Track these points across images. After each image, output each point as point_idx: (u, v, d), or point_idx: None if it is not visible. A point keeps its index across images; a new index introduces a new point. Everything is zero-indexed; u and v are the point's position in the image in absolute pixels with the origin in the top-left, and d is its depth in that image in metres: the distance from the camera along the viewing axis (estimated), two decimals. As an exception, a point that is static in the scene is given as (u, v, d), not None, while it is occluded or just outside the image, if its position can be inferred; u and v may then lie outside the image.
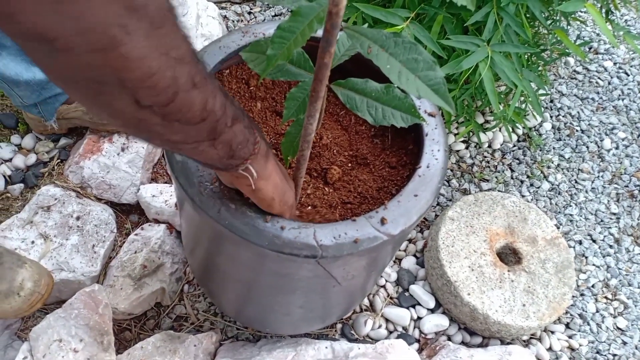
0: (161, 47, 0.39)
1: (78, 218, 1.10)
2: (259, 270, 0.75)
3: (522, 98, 1.31)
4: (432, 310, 1.17)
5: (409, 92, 0.59)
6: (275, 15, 1.60)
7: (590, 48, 1.70)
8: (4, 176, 1.17)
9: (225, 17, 1.57)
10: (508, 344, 1.15)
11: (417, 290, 1.18)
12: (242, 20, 1.58)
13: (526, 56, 1.13)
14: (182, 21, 0.43)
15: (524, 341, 1.17)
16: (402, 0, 1.02)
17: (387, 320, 1.15)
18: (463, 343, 1.15)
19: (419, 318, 1.16)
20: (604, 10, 1.19)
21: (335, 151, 0.84)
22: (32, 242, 1.05)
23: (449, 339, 1.15)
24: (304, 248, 0.64)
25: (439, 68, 0.60)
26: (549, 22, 1.18)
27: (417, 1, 1.00)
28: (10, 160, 1.20)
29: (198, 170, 0.67)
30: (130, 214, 1.19)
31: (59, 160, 1.21)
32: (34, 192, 1.16)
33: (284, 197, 0.64)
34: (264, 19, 1.59)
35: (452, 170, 1.38)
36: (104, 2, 0.34)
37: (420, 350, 1.13)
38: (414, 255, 1.25)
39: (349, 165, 0.83)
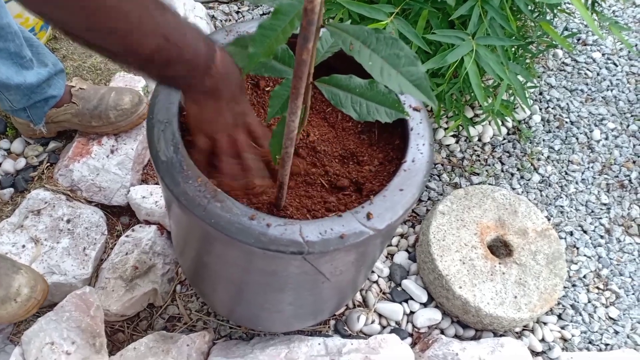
0: None
1: (68, 221, 1.10)
2: (247, 269, 0.75)
3: (510, 91, 1.32)
4: (424, 305, 1.18)
5: (391, 88, 0.59)
6: (264, 14, 1.60)
7: (578, 40, 1.71)
8: (-6, 181, 1.17)
9: (213, 17, 1.57)
10: (501, 336, 1.15)
11: (410, 284, 1.18)
12: (230, 20, 1.58)
13: (513, 49, 1.13)
14: None
15: (517, 333, 1.18)
16: (387, -4, 1.02)
17: (380, 316, 1.15)
18: (456, 336, 1.16)
19: (412, 312, 1.17)
20: (589, 1, 1.19)
21: (322, 148, 0.84)
22: (23, 246, 1.05)
23: (442, 332, 1.16)
24: (290, 245, 0.64)
25: (420, 63, 0.60)
26: (535, 14, 1.19)
27: (402, -4, 1.00)
28: (-1, 165, 1.20)
29: (183, 169, 0.67)
30: (121, 216, 1.19)
31: (48, 164, 1.21)
32: (24, 196, 1.16)
33: (209, 127, 0.66)
34: (252, 18, 1.59)
35: (442, 165, 1.38)
36: None
37: (413, 345, 1.13)
38: (406, 250, 1.25)
39: (337, 161, 0.83)
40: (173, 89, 0.73)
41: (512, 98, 1.34)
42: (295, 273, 0.72)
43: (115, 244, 1.12)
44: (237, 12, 1.60)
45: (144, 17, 0.54)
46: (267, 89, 0.90)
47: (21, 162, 1.20)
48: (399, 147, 0.83)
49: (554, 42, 1.27)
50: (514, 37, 1.09)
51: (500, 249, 1.21)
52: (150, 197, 1.14)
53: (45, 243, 1.06)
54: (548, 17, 1.25)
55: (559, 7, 1.26)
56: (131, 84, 1.33)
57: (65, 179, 1.16)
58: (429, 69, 0.97)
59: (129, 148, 1.19)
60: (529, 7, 1.03)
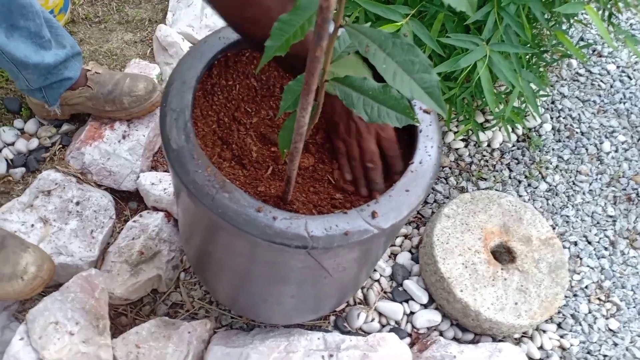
0: None
1: (78, 203, 1.11)
2: (251, 259, 0.76)
3: (522, 98, 1.32)
4: (425, 306, 1.18)
5: (402, 93, 0.60)
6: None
7: (593, 51, 1.70)
8: (6, 159, 1.19)
9: (230, 8, 1.58)
10: (499, 341, 1.16)
11: (411, 285, 1.19)
12: (247, 13, 1.59)
13: (527, 57, 1.13)
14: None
15: (516, 339, 1.18)
16: (404, -3, 1.03)
17: (380, 314, 1.16)
18: (455, 339, 1.17)
19: (412, 313, 1.17)
20: (606, 14, 1.19)
21: (332, 146, 0.85)
22: (32, 225, 1.07)
23: (441, 334, 1.16)
24: (294, 238, 0.65)
25: (434, 71, 0.61)
26: (550, 23, 1.18)
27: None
28: (12, 144, 1.22)
29: (193, 158, 0.68)
30: (129, 201, 1.20)
31: (60, 146, 1.23)
32: (35, 176, 1.18)
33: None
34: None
35: (450, 168, 1.39)
36: None
37: (411, 345, 1.14)
38: (409, 251, 1.26)
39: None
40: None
41: (523, 105, 1.34)
42: (299, 267, 0.73)
43: (122, 229, 1.13)
44: None
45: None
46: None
47: (34, 143, 1.22)
48: (407, 147, 0.84)
49: (568, 52, 1.26)
50: (528, 45, 1.09)
51: (503, 255, 1.21)
52: (159, 184, 1.15)
53: (53, 224, 1.08)
54: (564, 27, 1.25)
55: (575, 18, 1.25)
56: (146, 71, 1.34)
57: (77, 162, 1.17)
58: (442, 72, 0.97)
59: (141, 134, 1.21)
60: (545, 16, 1.03)
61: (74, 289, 0.96)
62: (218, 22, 1.46)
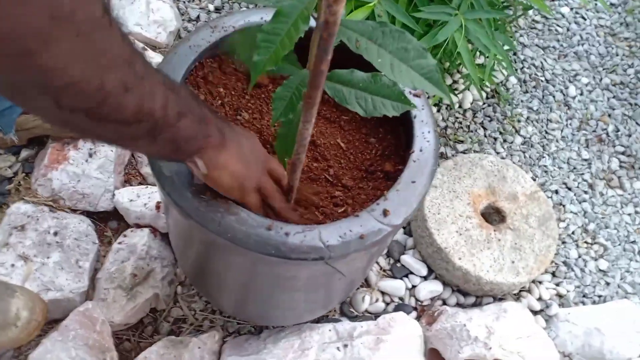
0: (87, 55, 0.37)
1: (56, 233, 1.05)
2: (261, 275, 0.74)
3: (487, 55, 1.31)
4: (425, 278, 1.19)
5: (403, 85, 0.58)
6: (228, -8, 1.54)
7: (548, -6, 1.71)
8: (-33, 198, 1.11)
9: (175, -1, 1.50)
10: (500, 299, 1.18)
11: (408, 259, 1.19)
12: (193, 0, 1.51)
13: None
14: (118, 20, 0.41)
15: (515, 294, 1.21)
16: (366, -29, 0.99)
17: (383, 293, 1.16)
18: (458, 304, 1.18)
19: (414, 287, 1.18)
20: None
21: (322, 142, 0.82)
22: (12, 265, 1.01)
23: (444, 302, 1.18)
24: (311, 251, 0.63)
25: (429, 55, 0.59)
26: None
27: (382, -29, 0.97)
28: (-30, 180, 1.13)
29: (190, 184, 0.64)
30: (108, 221, 1.15)
31: (24, 174, 1.15)
32: (2, 211, 1.10)
33: (245, 184, 0.62)
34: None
35: (426, 135, 1.38)
36: (21, 7, 0.31)
37: (418, 318, 1.15)
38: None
39: (339, 155, 0.82)
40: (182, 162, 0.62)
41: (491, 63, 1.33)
42: (314, 276, 0.71)
43: (108, 252, 1.08)
44: (200, -7, 1.53)
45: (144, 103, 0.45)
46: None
47: (-6, 175, 1.14)
48: (396, 133, 0.82)
49: (530, 4, 1.26)
50: (494, 5, 1.08)
51: (493, 215, 1.23)
52: (137, 200, 1.10)
53: (35, 259, 1.02)
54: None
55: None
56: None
57: (45, 189, 1.10)
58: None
59: (108, 150, 1.14)
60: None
61: (73, 326, 0.92)
62: (166, 15, 1.39)
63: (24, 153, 1.17)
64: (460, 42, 0.88)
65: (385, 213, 0.67)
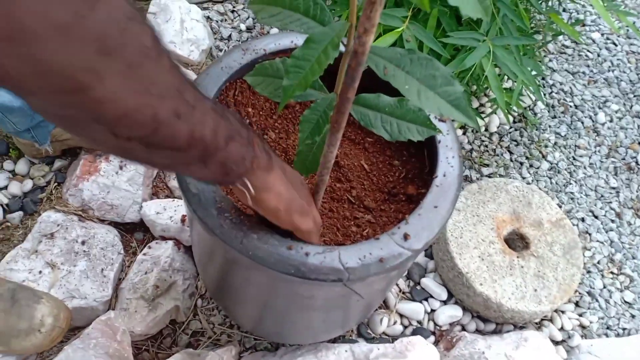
0: (139, 86, 0.38)
1: (83, 242, 1.08)
2: (280, 293, 0.75)
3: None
4: (444, 302, 1.18)
5: (430, 111, 0.58)
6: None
7: (579, 20, 1.70)
8: (2, 205, 1.15)
9: (208, 17, 1.54)
10: (521, 328, 1.16)
11: (429, 283, 1.19)
12: (225, 20, 1.55)
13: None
14: (167, 49, 0.42)
15: (536, 323, 1.19)
16: (395, -3, 1.00)
17: (401, 316, 1.16)
18: (477, 331, 1.17)
19: (433, 311, 1.17)
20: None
21: (346, 163, 0.83)
22: (40, 272, 1.03)
23: (463, 328, 1.16)
24: (330, 272, 0.64)
25: (457, 82, 0.59)
26: (540, 2, 1.17)
27: (411, -4, 0.98)
28: (5, 187, 1.17)
29: (216, 202, 0.66)
30: (134, 232, 1.17)
31: (56, 184, 1.18)
32: (34, 219, 1.14)
33: (291, 206, 0.63)
34: (248, 17, 1.56)
35: (451, 157, 1.38)
36: (69, 45, 0.32)
37: (436, 343, 1.14)
38: (422, 248, 1.25)
39: (362, 176, 0.82)
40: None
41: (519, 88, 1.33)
42: (332, 297, 0.72)
43: (132, 262, 1.10)
44: (232, 11, 1.57)
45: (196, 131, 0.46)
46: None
47: (28, 184, 1.17)
48: (420, 156, 0.82)
49: (560, 30, 1.25)
50: (524, 31, 1.08)
51: (516, 242, 1.21)
52: (164, 213, 1.12)
53: (62, 267, 1.05)
54: (555, 7, 1.23)
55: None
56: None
57: (76, 199, 1.13)
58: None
59: (138, 162, 1.17)
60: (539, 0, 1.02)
61: (95, 334, 0.94)
62: (199, 34, 1.42)
63: (58, 163, 1.21)
64: (488, 69, 0.88)
65: (406, 237, 0.67)
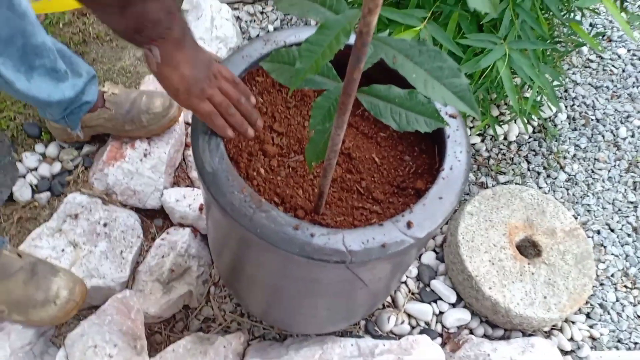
0: None
1: (105, 225, 1.13)
2: (287, 275, 0.77)
3: (537, 90, 1.32)
4: (453, 305, 1.19)
5: (435, 100, 0.60)
6: (288, 14, 1.61)
7: (603, 36, 1.69)
8: (31, 185, 1.20)
9: (238, 17, 1.59)
10: (530, 335, 1.16)
11: (438, 285, 1.20)
12: (254, 20, 1.60)
13: (541, 49, 1.13)
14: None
15: (545, 332, 1.19)
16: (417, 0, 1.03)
17: (409, 316, 1.17)
18: (485, 336, 1.17)
19: (441, 313, 1.18)
20: (619, 1, 1.18)
21: (357, 155, 0.85)
22: (62, 250, 1.08)
23: (471, 332, 1.17)
24: (333, 254, 0.66)
25: (463, 75, 0.61)
26: (563, 15, 1.18)
27: (433, 0, 1.01)
28: (35, 169, 1.23)
29: (228, 180, 0.69)
30: (154, 219, 1.21)
31: (83, 168, 1.24)
32: (60, 200, 1.19)
33: (191, 89, 0.66)
34: (276, 18, 1.60)
35: (468, 164, 1.39)
36: None
37: (443, 345, 1.14)
38: (434, 250, 1.26)
39: (372, 168, 0.85)
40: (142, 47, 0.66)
41: (539, 97, 1.34)
42: (335, 280, 0.74)
43: (150, 247, 1.14)
44: (262, 13, 1.62)
45: None
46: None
47: (57, 167, 1.23)
48: (431, 152, 0.84)
49: (581, 41, 1.26)
50: (543, 39, 1.09)
51: (528, 249, 1.22)
52: (183, 200, 1.16)
53: (83, 247, 1.09)
54: (577, 17, 1.24)
55: (587, 7, 1.25)
56: (160, 87, 1.35)
57: (101, 183, 1.18)
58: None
59: (162, 152, 1.22)
60: (559, 8, 1.03)
61: (111, 311, 0.98)
62: (228, 33, 1.47)
63: (86, 149, 1.26)
64: (503, 70, 0.90)
65: (409, 225, 0.69)
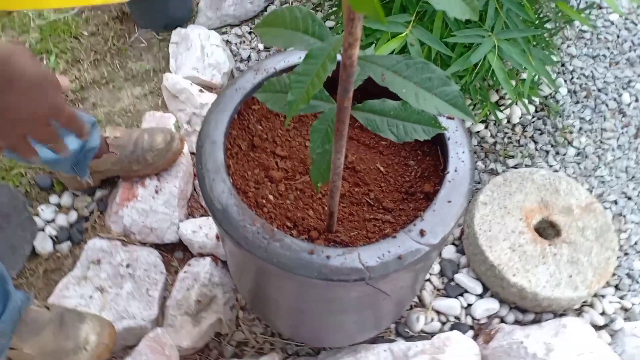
0: None
1: (128, 266, 1.15)
2: (309, 298, 0.78)
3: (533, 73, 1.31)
4: (480, 296, 1.19)
5: (428, 111, 0.61)
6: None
7: (593, 4, 1.68)
8: (51, 237, 1.23)
9: (227, 41, 1.60)
10: (561, 315, 1.16)
11: (462, 278, 1.20)
12: (244, 42, 1.61)
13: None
14: None
15: (577, 309, 1.18)
16: (400, 2, 1.03)
17: (438, 313, 1.17)
18: (516, 322, 1.17)
19: (469, 305, 1.18)
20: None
21: (362, 167, 0.86)
22: (90, 296, 1.10)
23: (502, 320, 1.17)
24: (351, 273, 0.67)
25: (452, 82, 0.62)
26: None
27: (416, 1, 1.01)
28: (53, 220, 1.25)
29: (239, 215, 0.70)
30: (174, 252, 1.23)
31: (98, 213, 1.26)
32: (80, 247, 1.21)
33: None
34: (265, 36, 1.61)
35: (475, 152, 1.39)
36: None
37: (475, 337, 1.15)
38: (453, 244, 1.26)
39: (378, 179, 0.85)
40: None
41: (535, 77, 1.33)
42: (357, 296, 0.75)
43: (174, 280, 1.16)
44: (250, 33, 1.63)
45: None
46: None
47: (73, 215, 1.25)
48: (435, 153, 0.85)
49: (571, 17, 1.25)
50: (531, 23, 1.09)
51: (547, 230, 1.21)
52: (200, 231, 1.18)
53: (110, 290, 1.11)
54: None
55: (571, -20, 1.24)
56: (161, 122, 1.37)
57: (117, 225, 1.21)
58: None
59: (172, 186, 1.23)
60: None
61: (145, 351, 1.00)
62: (220, 59, 1.48)
63: (99, 193, 1.29)
64: (494, 63, 0.90)
65: (422, 233, 0.70)
